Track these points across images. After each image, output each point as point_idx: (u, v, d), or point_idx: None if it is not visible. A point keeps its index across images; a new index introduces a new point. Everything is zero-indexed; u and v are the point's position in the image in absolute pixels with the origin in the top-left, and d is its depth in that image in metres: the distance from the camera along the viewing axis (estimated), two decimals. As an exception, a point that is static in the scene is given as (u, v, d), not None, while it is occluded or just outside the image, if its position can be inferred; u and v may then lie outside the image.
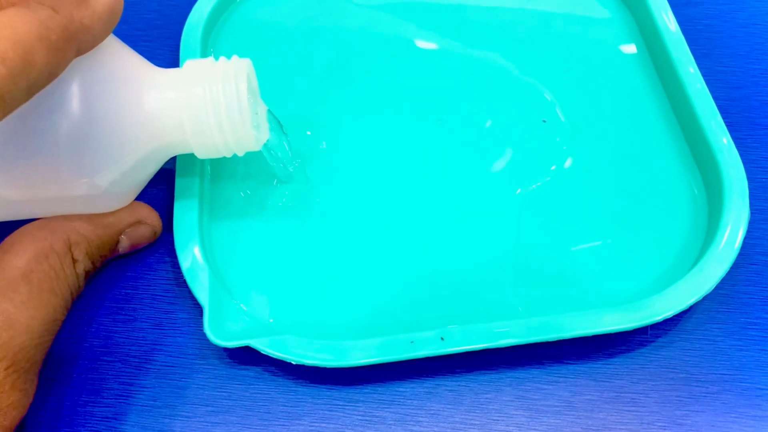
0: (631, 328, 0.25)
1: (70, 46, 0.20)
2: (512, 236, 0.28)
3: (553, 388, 0.25)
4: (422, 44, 0.34)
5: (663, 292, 0.25)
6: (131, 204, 0.26)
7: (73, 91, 0.22)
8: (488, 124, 0.31)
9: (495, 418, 0.25)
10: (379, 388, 0.25)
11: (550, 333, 0.25)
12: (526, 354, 0.26)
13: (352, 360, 0.24)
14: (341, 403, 0.25)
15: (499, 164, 0.30)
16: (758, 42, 0.34)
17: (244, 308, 0.26)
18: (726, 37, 0.34)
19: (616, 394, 0.25)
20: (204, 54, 0.33)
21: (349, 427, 0.25)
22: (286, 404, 0.25)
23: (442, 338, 0.25)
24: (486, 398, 0.25)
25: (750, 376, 0.26)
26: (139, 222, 0.27)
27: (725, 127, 0.29)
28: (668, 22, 0.32)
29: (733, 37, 0.34)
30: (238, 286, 0.27)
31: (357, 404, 0.25)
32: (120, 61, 0.24)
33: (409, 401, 0.25)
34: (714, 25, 0.35)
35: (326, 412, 0.25)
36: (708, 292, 0.25)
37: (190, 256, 0.26)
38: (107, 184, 0.24)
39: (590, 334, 0.25)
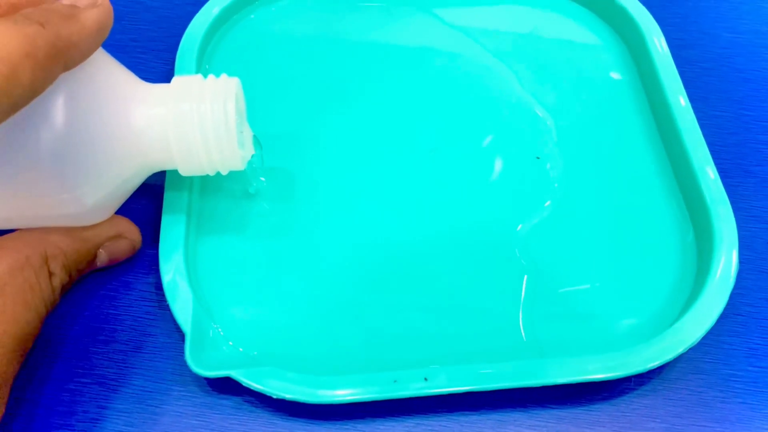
0: (615, 378, 0.25)
1: (57, 63, 0.20)
2: (500, 278, 0.28)
3: (535, 433, 0.25)
4: (416, 74, 0.34)
5: (649, 342, 0.25)
6: (111, 217, 0.26)
7: (59, 105, 0.21)
8: (481, 153, 0.31)
9: (475, 460, 0.25)
10: (359, 425, 0.25)
11: (534, 379, 0.24)
12: (508, 396, 0.26)
13: (333, 397, 0.24)
14: (320, 439, 0.25)
15: (488, 202, 0.30)
16: (754, 88, 0.34)
17: (227, 337, 0.26)
18: (722, 81, 0.34)
19: (596, 441, 0.25)
20: (199, 68, 0.32)
21: (327, 463, 0.25)
22: (265, 437, 0.25)
23: (425, 378, 0.24)
24: (467, 440, 0.25)
25: (731, 429, 0.26)
26: (118, 236, 0.27)
27: (713, 164, 0.29)
28: (659, 47, 0.33)
29: (728, 82, 0.35)
30: (222, 315, 0.27)
31: (336, 440, 0.25)
32: (107, 74, 0.23)
33: (389, 439, 0.25)
34: (711, 69, 0.35)
35: (304, 446, 0.25)
36: (694, 344, 0.25)
37: (175, 281, 0.26)
38: (92, 201, 0.23)
39: (574, 382, 0.25)
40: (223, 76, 0.25)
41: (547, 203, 0.30)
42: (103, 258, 0.27)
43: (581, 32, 0.35)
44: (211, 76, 0.25)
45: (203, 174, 0.25)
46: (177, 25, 0.34)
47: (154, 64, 0.34)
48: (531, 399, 0.26)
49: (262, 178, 0.30)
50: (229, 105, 0.24)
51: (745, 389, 0.26)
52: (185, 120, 0.24)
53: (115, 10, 0.34)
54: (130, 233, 0.27)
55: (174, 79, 0.25)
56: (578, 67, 0.34)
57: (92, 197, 0.23)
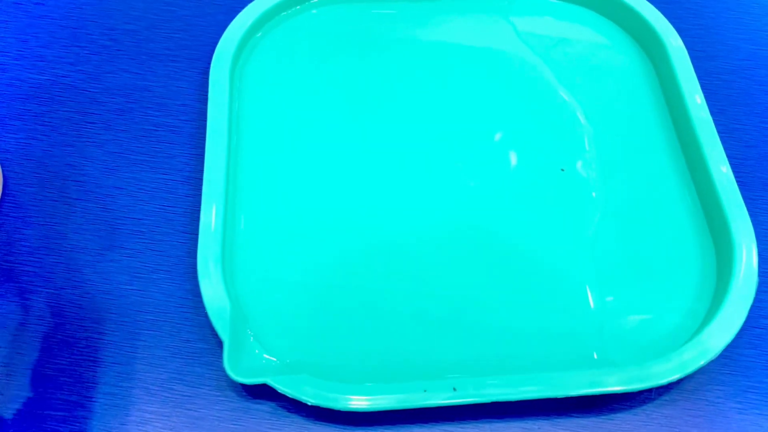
0: (635, 390, 0.25)
1: None
2: (528, 290, 0.29)
3: (558, 441, 0.26)
4: (446, 79, 0.35)
5: (669, 356, 0.26)
6: None
7: None
8: (516, 166, 0.32)
9: (500, 467, 0.26)
10: (389, 431, 0.26)
11: (558, 390, 0.25)
12: (534, 404, 0.27)
13: (365, 405, 0.25)
14: (352, 444, 0.26)
15: (515, 216, 0.31)
16: (775, 101, 0.35)
17: (262, 344, 0.27)
18: (743, 94, 0.35)
19: (617, 449, 0.26)
20: (233, 76, 0.33)
21: (359, 467, 0.26)
22: (299, 441, 0.26)
23: (454, 389, 0.25)
24: (493, 447, 0.26)
25: (747, 440, 0.27)
26: None
27: (732, 176, 0.30)
28: (681, 61, 0.34)
29: (749, 95, 0.35)
30: (259, 323, 0.28)
31: (367, 445, 0.26)
32: None
33: (418, 446, 0.26)
34: (732, 81, 0.35)
35: (337, 451, 0.26)
36: (713, 358, 0.26)
37: (213, 289, 0.27)
38: None
39: (595, 394, 0.26)
40: None
41: (591, 215, 0.31)
42: None
43: (609, 47, 0.36)
44: None
45: None
46: (209, 34, 0.35)
47: (189, 72, 0.34)
48: (555, 407, 0.27)
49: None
50: None
51: (763, 401, 0.27)
52: None
53: (147, 19, 0.36)
54: None
55: None
56: (606, 79, 0.35)
57: None
